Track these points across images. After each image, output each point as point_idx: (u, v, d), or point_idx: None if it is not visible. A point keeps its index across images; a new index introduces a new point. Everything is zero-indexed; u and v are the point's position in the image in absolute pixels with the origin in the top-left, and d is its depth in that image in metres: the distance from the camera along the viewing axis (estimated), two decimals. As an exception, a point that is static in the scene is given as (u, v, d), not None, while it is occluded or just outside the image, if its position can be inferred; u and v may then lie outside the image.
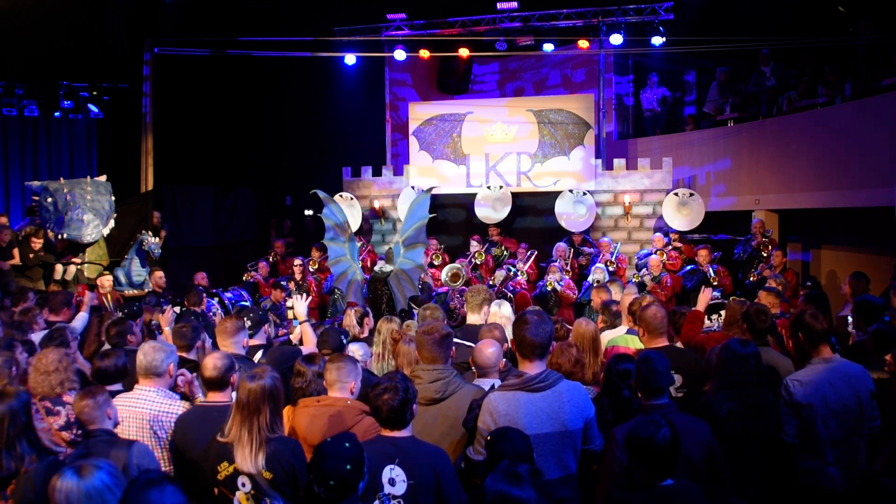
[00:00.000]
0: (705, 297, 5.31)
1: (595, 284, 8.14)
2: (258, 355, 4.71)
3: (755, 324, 4.43)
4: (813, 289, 8.03)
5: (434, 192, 11.90)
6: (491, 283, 9.60)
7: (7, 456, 2.96)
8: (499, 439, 2.87)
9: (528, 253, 10.48)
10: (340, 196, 12.20)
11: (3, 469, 2.94)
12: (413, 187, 12.15)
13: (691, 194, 10.96)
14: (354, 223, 11.95)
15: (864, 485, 2.89)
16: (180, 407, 3.61)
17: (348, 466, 2.52)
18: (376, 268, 8.46)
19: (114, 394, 3.87)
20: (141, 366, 3.67)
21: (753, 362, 3.54)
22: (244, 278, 10.06)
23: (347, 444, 2.58)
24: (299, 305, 5.33)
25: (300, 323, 5.26)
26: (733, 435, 3.47)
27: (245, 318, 4.79)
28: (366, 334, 5.36)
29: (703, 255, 9.43)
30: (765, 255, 9.44)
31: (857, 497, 3.26)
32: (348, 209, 11.96)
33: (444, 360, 3.57)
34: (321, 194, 8.58)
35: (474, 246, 10.91)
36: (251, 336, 4.81)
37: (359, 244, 10.69)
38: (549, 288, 9.34)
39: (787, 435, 3.76)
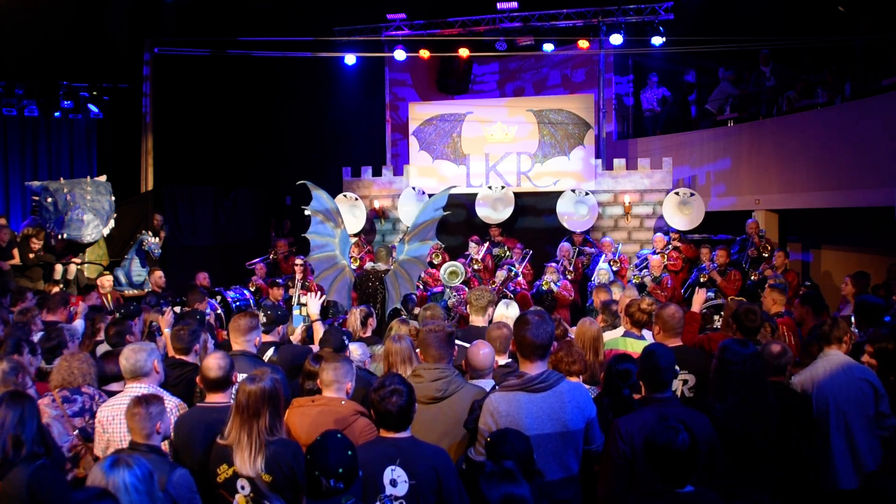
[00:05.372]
0: (699, 298, 5.30)
1: (598, 284, 8.13)
2: (269, 352, 4.70)
3: (744, 323, 4.44)
4: (810, 289, 8.02)
5: (430, 191, 11.96)
6: (491, 284, 9.58)
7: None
8: (499, 441, 2.87)
9: (524, 253, 10.47)
10: (344, 196, 12.17)
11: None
12: (413, 188, 12.12)
13: (692, 194, 10.95)
14: (359, 224, 11.91)
15: (867, 486, 2.88)
16: (174, 403, 3.63)
17: (349, 452, 2.67)
18: (367, 266, 8.04)
19: (111, 393, 3.89)
20: (126, 370, 3.69)
21: (752, 363, 3.52)
22: (249, 287, 9.99)
23: (339, 435, 2.75)
24: (313, 304, 5.31)
25: (313, 322, 5.25)
26: (732, 435, 3.45)
27: (262, 314, 4.79)
28: (368, 334, 5.33)
29: (721, 254, 9.40)
30: (765, 255, 9.43)
31: (862, 497, 3.26)
32: (352, 209, 11.92)
33: (448, 360, 3.58)
34: (309, 184, 7.68)
35: (472, 248, 10.85)
36: (266, 332, 4.81)
37: (353, 240, 10.55)
38: (545, 287, 9.32)
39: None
